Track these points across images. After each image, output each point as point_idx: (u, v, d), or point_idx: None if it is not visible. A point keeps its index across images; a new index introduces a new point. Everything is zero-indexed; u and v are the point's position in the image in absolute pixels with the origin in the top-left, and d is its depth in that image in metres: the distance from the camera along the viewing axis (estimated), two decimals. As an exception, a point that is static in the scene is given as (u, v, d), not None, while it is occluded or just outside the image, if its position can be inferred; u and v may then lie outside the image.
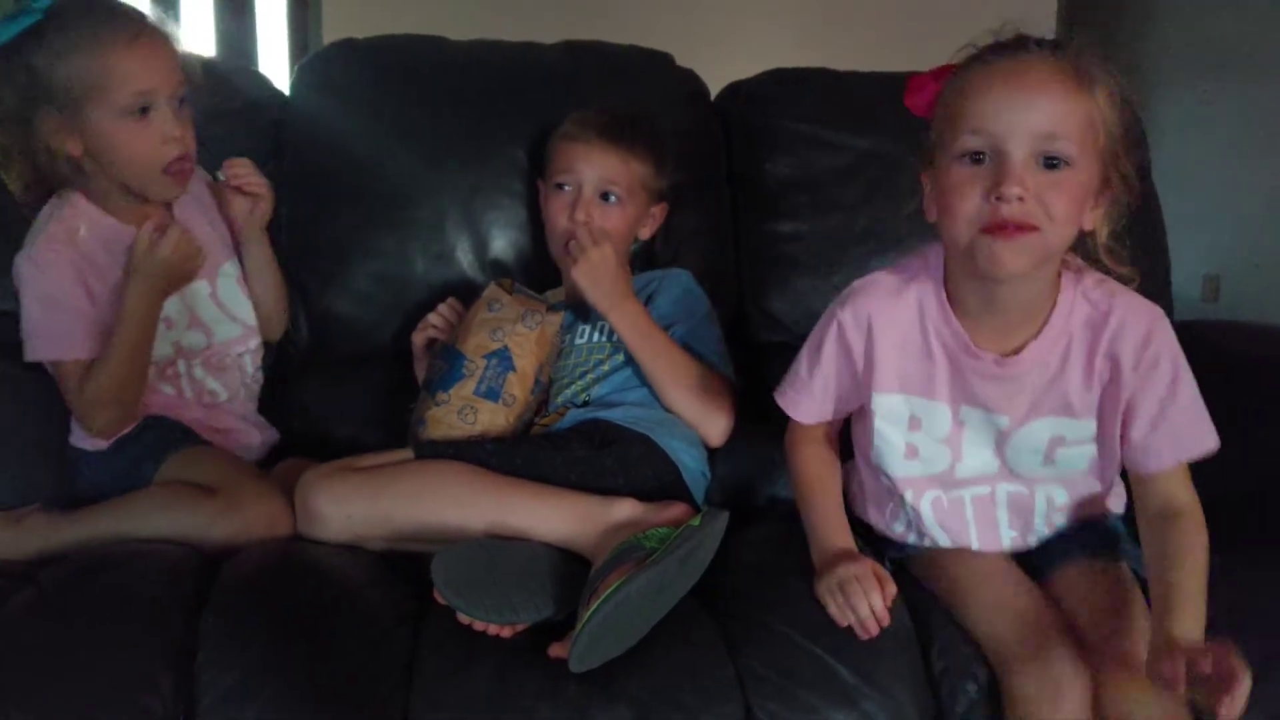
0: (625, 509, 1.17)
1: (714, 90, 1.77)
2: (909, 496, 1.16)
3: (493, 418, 1.32)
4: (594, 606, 0.98)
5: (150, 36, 1.29)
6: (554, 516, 1.17)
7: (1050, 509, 1.16)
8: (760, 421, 1.52)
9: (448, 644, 1.04)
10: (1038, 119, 0.98)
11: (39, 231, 1.31)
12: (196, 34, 4.01)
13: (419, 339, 1.45)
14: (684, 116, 1.69)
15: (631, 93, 1.65)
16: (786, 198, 1.68)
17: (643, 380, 1.38)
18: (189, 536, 1.20)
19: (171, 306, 1.34)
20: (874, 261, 1.64)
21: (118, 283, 1.30)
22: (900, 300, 1.13)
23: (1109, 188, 1.04)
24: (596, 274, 1.36)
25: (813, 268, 1.66)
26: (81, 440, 1.35)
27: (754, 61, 1.78)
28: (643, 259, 1.58)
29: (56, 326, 1.29)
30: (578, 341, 1.43)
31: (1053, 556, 1.15)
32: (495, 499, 1.18)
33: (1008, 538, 1.17)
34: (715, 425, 1.37)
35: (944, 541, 1.17)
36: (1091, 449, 1.12)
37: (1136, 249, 1.09)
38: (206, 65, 1.41)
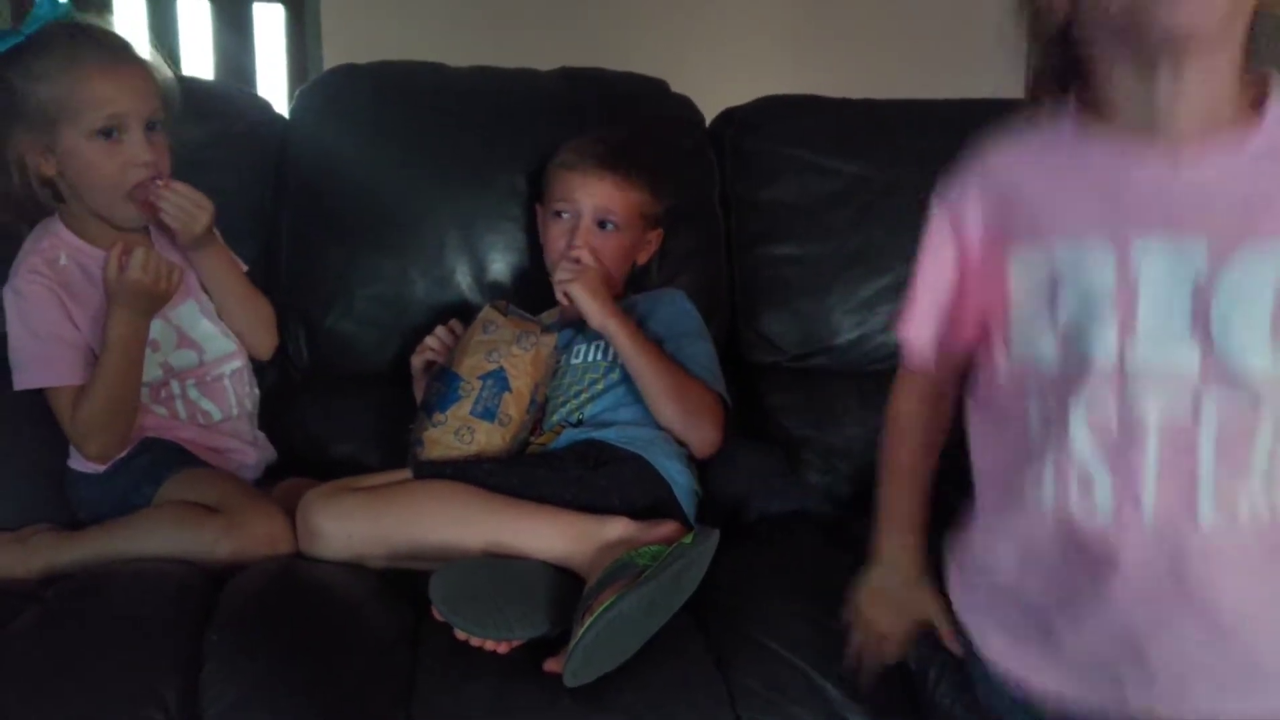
0: (619, 528, 1.19)
1: (708, 116, 1.79)
2: (1053, 406, 0.79)
3: (489, 438, 1.35)
4: (588, 623, 1.00)
5: (126, 62, 1.31)
6: (549, 535, 1.19)
7: (1277, 444, 0.74)
8: (752, 439, 1.56)
9: (446, 659, 1.06)
10: None
11: (21, 262, 1.33)
12: (195, 56, 4.05)
13: (417, 361, 1.48)
14: (680, 142, 1.72)
15: (627, 119, 1.68)
16: (780, 222, 1.71)
17: (634, 399, 1.40)
18: (193, 555, 1.22)
19: (156, 329, 1.35)
20: (866, 284, 1.68)
21: (100, 310, 1.31)
22: (1022, 145, 0.84)
23: None
24: (595, 289, 1.39)
25: (805, 290, 1.69)
26: (79, 463, 1.36)
27: (747, 88, 1.81)
28: (638, 282, 1.61)
29: (43, 355, 1.31)
30: (573, 361, 1.46)
31: None
32: (492, 518, 1.20)
33: (1208, 499, 0.75)
34: (703, 437, 1.39)
35: (1103, 495, 0.76)
36: None
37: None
38: (207, 89, 1.43)
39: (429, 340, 1.48)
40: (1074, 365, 0.77)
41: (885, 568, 0.97)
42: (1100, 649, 0.80)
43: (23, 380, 1.32)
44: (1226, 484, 0.74)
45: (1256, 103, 0.77)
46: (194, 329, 1.43)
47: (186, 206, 1.34)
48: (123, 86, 1.30)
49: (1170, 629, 0.77)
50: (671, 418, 1.38)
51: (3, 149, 1.30)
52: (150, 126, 1.32)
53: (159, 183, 1.33)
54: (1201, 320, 0.74)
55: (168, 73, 1.37)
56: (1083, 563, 0.79)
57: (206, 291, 1.45)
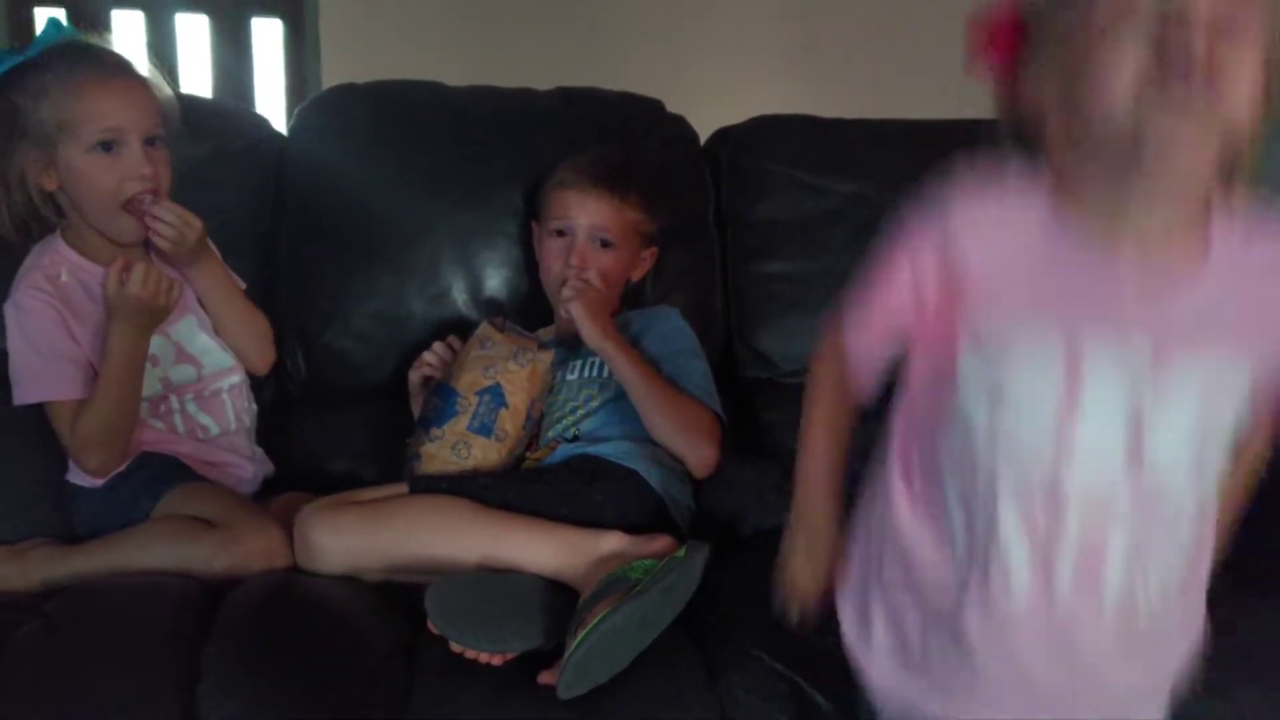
0: (612, 541, 1.21)
1: (703, 136, 1.81)
2: (982, 488, 0.82)
3: (485, 453, 1.36)
4: (581, 636, 1.02)
5: (124, 78, 1.34)
6: (544, 549, 1.20)
7: (1165, 550, 0.82)
8: (747, 454, 1.57)
9: (442, 672, 1.08)
10: None
11: (22, 278, 1.35)
12: (194, 70, 4.08)
13: (415, 376, 1.50)
14: (674, 161, 1.74)
15: (624, 138, 1.70)
16: (773, 240, 1.73)
17: (629, 415, 1.41)
18: (191, 569, 1.23)
19: (155, 344, 1.36)
20: (859, 301, 1.70)
21: (100, 324, 1.33)
22: (992, 218, 0.83)
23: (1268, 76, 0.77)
24: (594, 311, 1.42)
25: (799, 307, 1.71)
26: (78, 477, 1.37)
27: (741, 108, 1.83)
28: (633, 299, 1.63)
29: (43, 369, 1.32)
30: (569, 378, 1.47)
31: None
32: (487, 532, 1.22)
33: (1111, 599, 0.82)
34: (700, 457, 1.40)
35: (1019, 588, 0.82)
36: (1227, 441, 0.81)
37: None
38: (206, 107, 1.46)
39: (426, 356, 1.49)
40: (1007, 466, 0.81)
41: (806, 533, 0.99)
42: (995, 690, 0.87)
43: (23, 395, 1.33)
44: (1126, 585, 0.81)
45: (1205, 227, 0.81)
46: (192, 344, 1.44)
47: (175, 223, 1.36)
48: (121, 101, 1.32)
49: (1060, 679, 0.86)
50: (668, 438, 1.39)
51: (6, 165, 1.32)
52: (149, 141, 1.34)
53: (148, 198, 1.34)
54: (1134, 443, 0.79)
55: (167, 90, 1.39)
56: (993, 631, 0.84)
57: (204, 307, 1.46)
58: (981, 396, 0.81)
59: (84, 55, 1.33)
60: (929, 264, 0.83)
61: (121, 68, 1.35)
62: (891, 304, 0.87)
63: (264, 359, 1.52)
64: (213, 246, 1.44)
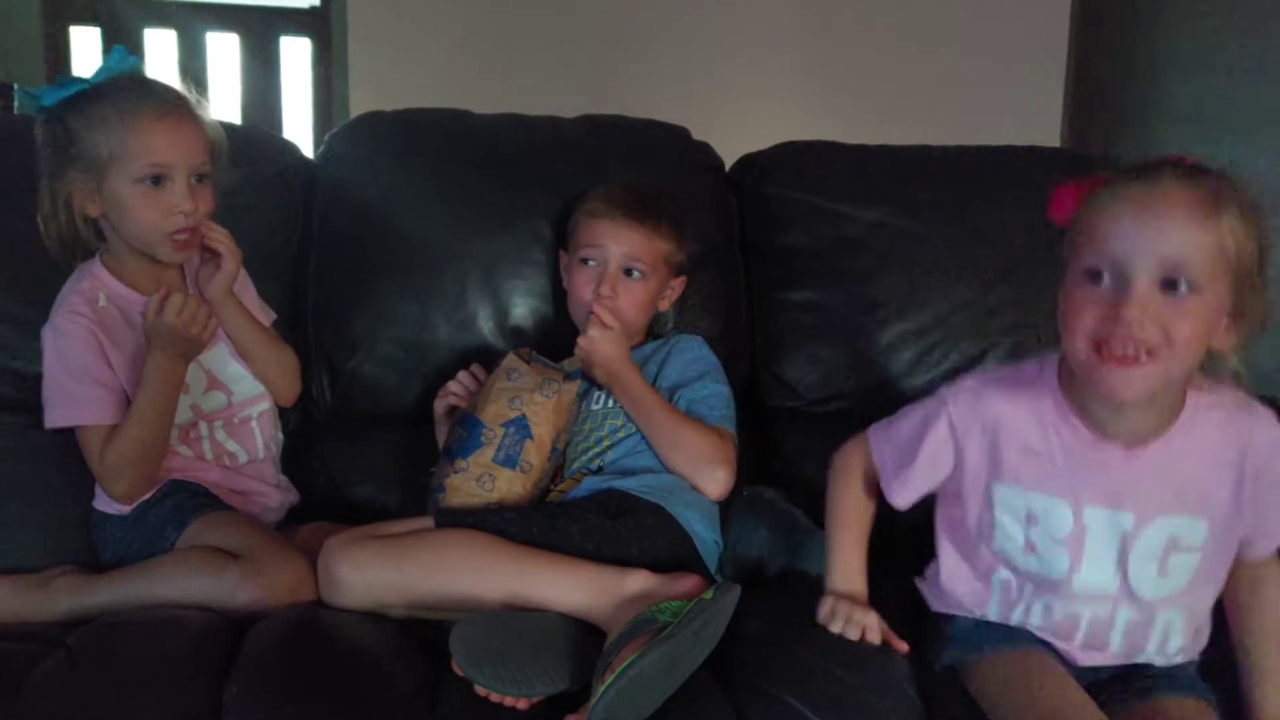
0: (639, 581, 1.19)
1: (728, 162, 1.81)
2: (1028, 592, 1.15)
3: (510, 485, 1.35)
4: (608, 681, 1.01)
5: (179, 116, 1.35)
6: (570, 588, 1.19)
7: (1166, 637, 1.13)
8: (773, 485, 1.55)
9: (464, 715, 1.07)
10: (1163, 245, 0.99)
11: (61, 302, 1.37)
12: (224, 90, 4.12)
13: (440, 406, 1.49)
14: (700, 188, 1.74)
15: (649, 165, 1.70)
16: (798, 267, 1.72)
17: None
18: (214, 601, 1.23)
19: (187, 372, 1.37)
20: (885, 330, 1.68)
21: (136, 351, 1.34)
22: (1015, 403, 1.14)
23: (1242, 310, 1.04)
24: (596, 354, 1.44)
25: (823, 335, 1.70)
26: (105, 505, 1.38)
27: (766, 135, 1.82)
28: (660, 324, 1.63)
29: (77, 393, 1.33)
30: (593, 408, 1.47)
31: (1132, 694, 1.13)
32: (513, 570, 1.20)
33: (1115, 656, 1.15)
34: (713, 482, 1.39)
35: (1053, 644, 1.15)
36: (1196, 559, 1.11)
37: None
38: (238, 133, 1.48)
39: (451, 385, 1.49)
40: (1038, 569, 1.14)
41: (840, 590, 1.22)
42: None
43: (54, 418, 1.34)
44: (1127, 652, 1.14)
45: (1177, 410, 1.10)
46: (224, 371, 1.45)
47: (224, 238, 1.38)
48: (174, 139, 1.34)
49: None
50: (679, 467, 1.39)
51: (55, 187, 1.34)
52: (197, 179, 1.36)
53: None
54: (1122, 563, 1.11)
55: (220, 131, 1.41)
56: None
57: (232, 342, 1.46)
58: (1017, 518, 1.14)
59: (145, 90, 1.35)
60: (971, 439, 1.16)
61: (179, 106, 1.36)
62: (938, 458, 1.18)
63: (290, 392, 1.53)
64: (245, 275, 1.44)
